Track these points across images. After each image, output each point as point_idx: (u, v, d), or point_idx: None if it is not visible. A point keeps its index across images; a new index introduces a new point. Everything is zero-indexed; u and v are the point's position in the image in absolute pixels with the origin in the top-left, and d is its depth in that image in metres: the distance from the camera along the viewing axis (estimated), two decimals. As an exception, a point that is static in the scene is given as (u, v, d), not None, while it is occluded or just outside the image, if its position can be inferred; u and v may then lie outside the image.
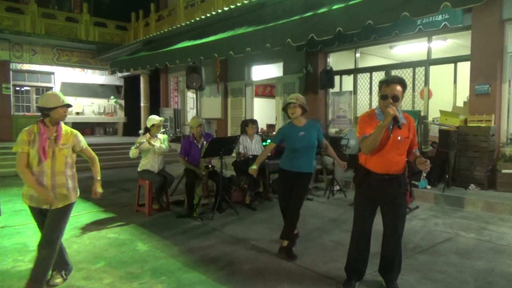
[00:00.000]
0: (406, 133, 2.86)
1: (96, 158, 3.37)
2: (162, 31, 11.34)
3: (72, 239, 4.41)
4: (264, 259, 3.78)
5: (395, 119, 2.69)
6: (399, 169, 2.91)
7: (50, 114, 2.94)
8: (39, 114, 3.02)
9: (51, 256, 2.97)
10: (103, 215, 5.53)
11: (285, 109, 3.99)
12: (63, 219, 3.05)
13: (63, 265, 3.26)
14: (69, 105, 3.04)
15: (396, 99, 2.76)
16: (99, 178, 3.37)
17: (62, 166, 3.01)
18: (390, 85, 2.77)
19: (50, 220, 2.98)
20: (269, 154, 6.24)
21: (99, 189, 3.35)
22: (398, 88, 2.77)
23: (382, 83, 2.85)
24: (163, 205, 5.68)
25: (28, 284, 2.90)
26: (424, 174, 6.25)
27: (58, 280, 3.19)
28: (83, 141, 3.20)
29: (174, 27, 10.62)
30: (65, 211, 3.06)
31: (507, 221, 5.01)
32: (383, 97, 2.79)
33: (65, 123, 3.17)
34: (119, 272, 3.49)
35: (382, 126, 2.70)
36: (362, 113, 3.02)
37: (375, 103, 8.05)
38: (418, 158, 2.90)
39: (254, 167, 4.13)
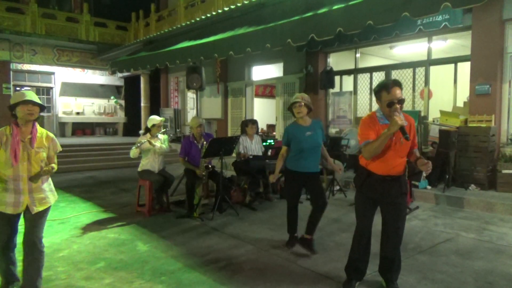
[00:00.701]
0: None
1: (54, 169, 3.01)
2: (162, 31, 11.34)
3: (72, 239, 4.42)
4: (264, 259, 3.79)
5: (402, 130, 2.65)
6: (400, 170, 2.91)
7: (16, 112, 2.80)
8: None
9: (41, 256, 2.93)
10: (103, 215, 5.53)
11: (290, 108, 3.99)
12: (42, 221, 2.95)
13: (11, 278, 3.02)
14: (34, 102, 2.81)
15: (402, 102, 2.75)
16: (53, 165, 2.99)
17: (38, 169, 2.86)
18: (391, 91, 2.74)
19: (30, 224, 2.88)
20: (269, 154, 6.30)
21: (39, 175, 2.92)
22: (398, 91, 2.76)
23: (381, 90, 2.80)
24: (163, 205, 5.68)
25: None
26: (425, 175, 6.25)
27: None
28: (58, 147, 3.05)
29: (174, 27, 10.61)
30: (45, 214, 2.95)
31: (508, 221, 5.01)
32: (389, 105, 2.74)
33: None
34: (119, 272, 3.49)
35: (387, 135, 2.68)
36: (364, 117, 2.99)
37: (375, 103, 8.06)
38: (420, 159, 2.88)
39: (275, 175, 4.20)
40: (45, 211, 2.95)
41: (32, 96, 2.84)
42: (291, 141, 3.96)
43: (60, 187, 7.50)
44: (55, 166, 2.99)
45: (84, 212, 5.66)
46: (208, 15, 9.17)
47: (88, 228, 4.89)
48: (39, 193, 2.89)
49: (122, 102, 17.30)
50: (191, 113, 14.08)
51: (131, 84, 16.73)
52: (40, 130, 2.95)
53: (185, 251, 4.03)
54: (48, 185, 2.99)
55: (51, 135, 3.04)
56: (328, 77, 8.71)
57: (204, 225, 4.98)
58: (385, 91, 2.77)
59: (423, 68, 7.69)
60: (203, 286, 3.20)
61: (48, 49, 13.80)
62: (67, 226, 4.94)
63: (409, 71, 7.95)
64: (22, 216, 2.93)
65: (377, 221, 3.04)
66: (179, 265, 3.63)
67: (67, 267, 3.59)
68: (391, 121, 2.67)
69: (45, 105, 17.04)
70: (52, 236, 4.49)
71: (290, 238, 4.13)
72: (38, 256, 2.90)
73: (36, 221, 2.88)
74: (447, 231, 4.64)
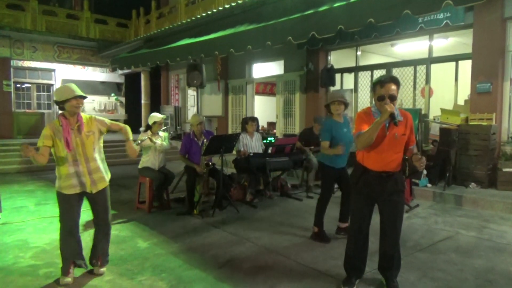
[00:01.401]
0: (403, 130, 2.86)
1: (126, 127, 3.52)
2: (162, 29, 11.32)
3: (72, 236, 4.42)
4: (264, 257, 3.79)
5: (392, 116, 2.69)
6: (396, 166, 2.92)
7: (65, 106, 3.12)
8: (57, 107, 3.17)
9: (110, 231, 3.47)
10: (103, 212, 5.53)
11: (327, 105, 4.17)
12: (107, 198, 3.36)
13: (79, 258, 3.41)
14: (82, 96, 3.16)
15: (393, 98, 2.77)
16: (130, 138, 3.48)
17: (92, 152, 3.21)
18: (385, 85, 2.78)
19: (97, 204, 3.33)
20: (269, 152, 6.28)
21: (133, 145, 3.49)
22: (393, 87, 2.78)
23: (376, 84, 2.85)
24: (163, 203, 5.68)
25: (100, 258, 3.38)
26: (419, 171, 6.23)
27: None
28: (105, 119, 3.39)
29: (175, 25, 10.59)
30: (106, 191, 3.35)
31: (508, 219, 5.01)
32: (380, 98, 2.80)
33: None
34: (120, 269, 3.50)
35: (379, 123, 2.70)
36: (359, 111, 3.02)
37: (376, 101, 8.04)
38: (415, 155, 2.89)
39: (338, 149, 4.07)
40: (106, 190, 3.35)
41: (79, 90, 3.18)
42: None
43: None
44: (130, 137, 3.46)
45: (84, 209, 5.62)
46: (209, 12, 9.14)
47: (88, 225, 4.87)
48: (98, 173, 3.26)
49: (123, 99, 17.27)
50: (191, 111, 14.07)
51: (132, 81, 16.72)
52: (84, 116, 3.29)
53: (185, 248, 4.03)
54: (103, 165, 3.35)
55: (93, 116, 3.37)
56: (329, 75, 8.70)
57: (204, 222, 4.98)
58: (379, 85, 2.81)
59: (424, 66, 7.67)
60: (203, 283, 3.20)
61: (48, 46, 13.78)
62: (68, 223, 4.94)
63: (410, 69, 7.93)
64: (87, 201, 3.33)
65: (376, 219, 3.04)
66: (179, 262, 3.64)
67: (68, 264, 3.59)
68: (382, 110, 2.73)
69: (46, 102, 16.59)
70: (53, 233, 4.49)
71: (323, 232, 4.21)
72: (109, 231, 3.46)
73: (102, 199, 3.31)
74: (447, 229, 4.64)
